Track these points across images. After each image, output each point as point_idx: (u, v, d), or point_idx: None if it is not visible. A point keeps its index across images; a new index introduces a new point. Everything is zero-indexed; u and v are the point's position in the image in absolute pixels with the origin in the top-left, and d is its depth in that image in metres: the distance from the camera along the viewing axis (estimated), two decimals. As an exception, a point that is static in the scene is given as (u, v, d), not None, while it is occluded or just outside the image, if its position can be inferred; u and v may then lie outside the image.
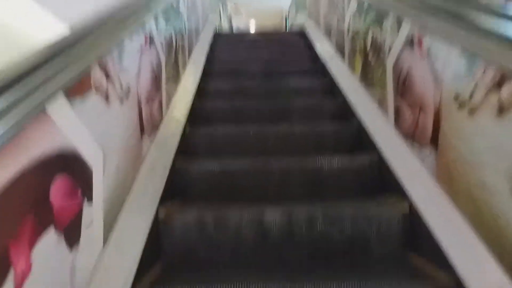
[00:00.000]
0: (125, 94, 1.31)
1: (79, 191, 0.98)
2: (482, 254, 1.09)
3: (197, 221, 1.39)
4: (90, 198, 1.03)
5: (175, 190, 1.68)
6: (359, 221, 1.39)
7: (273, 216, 1.38)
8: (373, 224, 1.39)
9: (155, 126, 1.70)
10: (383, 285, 1.12)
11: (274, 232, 1.38)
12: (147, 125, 1.56)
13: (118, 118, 1.26)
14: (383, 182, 1.68)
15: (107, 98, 1.15)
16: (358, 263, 1.34)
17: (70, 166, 0.93)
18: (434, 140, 1.29)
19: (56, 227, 0.85)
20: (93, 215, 1.04)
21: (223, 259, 1.38)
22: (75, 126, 0.96)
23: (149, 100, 1.62)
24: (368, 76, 2.03)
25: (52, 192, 0.84)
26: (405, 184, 1.46)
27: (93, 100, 1.06)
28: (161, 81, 1.87)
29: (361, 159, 1.76)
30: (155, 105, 1.73)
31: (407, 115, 1.51)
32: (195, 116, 2.26)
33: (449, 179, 1.20)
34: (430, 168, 1.30)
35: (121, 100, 1.27)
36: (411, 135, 1.48)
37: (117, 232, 1.17)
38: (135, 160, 1.40)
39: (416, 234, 1.36)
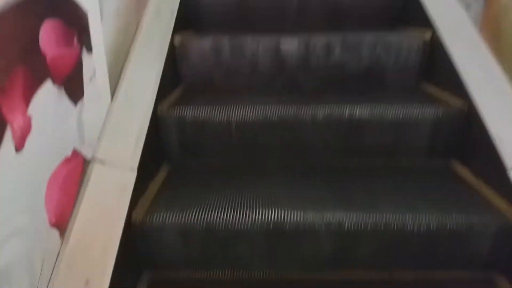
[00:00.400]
0: None
1: (75, 39, 0.85)
2: (504, 87, 1.09)
3: (213, 46, 1.36)
4: (89, 47, 0.91)
5: (188, 24, 1.60)
6: (377, 49, 1.34)
7: (290, 43, 1.35)
8: (392, 52, 1.34)
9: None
10: (395, 108, 1.13)
11: (291, 59, 1.36)
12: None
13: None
14: (407, 13, 1.56)
15: None
16: (373, 90, 1.35)
17: (59, 10, 0.79)
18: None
19: (53, 80, 0.76)
20: (95, 65, 0.94)
21: (240, 84, 1.39)
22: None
23: None
24: None
25: (42, 40, 0.73)
26: (430, 13, 1.36)
27: None
28: None
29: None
30: None
31: None
32: None
33: (495, 29, 1.07)
34: (474, 17, 1.16)
35: None
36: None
37: (129, 70, 1.10)
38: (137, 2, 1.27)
39: (435, 64, 1.33)
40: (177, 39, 1.36)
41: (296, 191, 1.02)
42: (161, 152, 1.19)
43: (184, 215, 0.91)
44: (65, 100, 0.80)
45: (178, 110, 1.16)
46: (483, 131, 1.03)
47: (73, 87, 0.84)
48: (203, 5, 1.64)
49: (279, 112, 1.14)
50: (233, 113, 1.14)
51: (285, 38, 1.35)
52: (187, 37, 1.39)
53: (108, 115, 1.00)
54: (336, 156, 1.18)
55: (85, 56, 0.89)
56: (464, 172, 1.11)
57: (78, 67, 0.86)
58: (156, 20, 1.35)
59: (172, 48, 1.34)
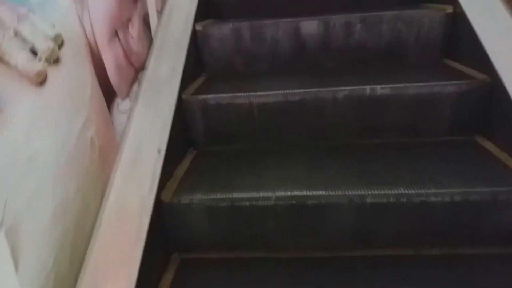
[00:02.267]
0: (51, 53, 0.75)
1: None
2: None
3: (234, 31, 1.38)
4: None
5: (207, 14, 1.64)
6: (398, 24, 1.33)
7: (309, 24, 1.35)
8: (413, 27, 1.33)
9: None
10: (417, 84, 1.12)
11: (311, 41, 1.37)
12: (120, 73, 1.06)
13: (44, 112, 0.72)
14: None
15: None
16: (395, 68, 1.33)
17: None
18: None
19: None
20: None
21: (262, 68, 1.41)
22: None
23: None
24: None
25: None
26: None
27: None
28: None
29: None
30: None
31: None
32: None
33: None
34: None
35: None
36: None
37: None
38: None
39: (457, 38, 1.30)
40: (199, 25, 1.39)
41: (318, 169, 1.03)
42: (187, 138, 1.22)
43: (210, 194, 0.94)
44: None
45: (202, 96, 1.18)
46: (509, 104, 1.01)
47: None
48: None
49: (300, 93, 1.15)
50: (255, 96, 1.16)
51: (304, 20, 1.35)
52: (208, 22, 1.42)
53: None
54: (357, 135, 1.18)
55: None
56: (488, 145, 1.09)
57: None
58: (133, 179, 0.93)
59: (194, 35, 1.36)
